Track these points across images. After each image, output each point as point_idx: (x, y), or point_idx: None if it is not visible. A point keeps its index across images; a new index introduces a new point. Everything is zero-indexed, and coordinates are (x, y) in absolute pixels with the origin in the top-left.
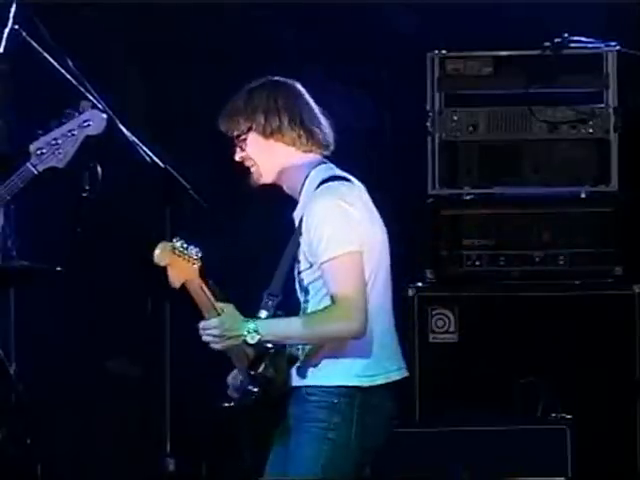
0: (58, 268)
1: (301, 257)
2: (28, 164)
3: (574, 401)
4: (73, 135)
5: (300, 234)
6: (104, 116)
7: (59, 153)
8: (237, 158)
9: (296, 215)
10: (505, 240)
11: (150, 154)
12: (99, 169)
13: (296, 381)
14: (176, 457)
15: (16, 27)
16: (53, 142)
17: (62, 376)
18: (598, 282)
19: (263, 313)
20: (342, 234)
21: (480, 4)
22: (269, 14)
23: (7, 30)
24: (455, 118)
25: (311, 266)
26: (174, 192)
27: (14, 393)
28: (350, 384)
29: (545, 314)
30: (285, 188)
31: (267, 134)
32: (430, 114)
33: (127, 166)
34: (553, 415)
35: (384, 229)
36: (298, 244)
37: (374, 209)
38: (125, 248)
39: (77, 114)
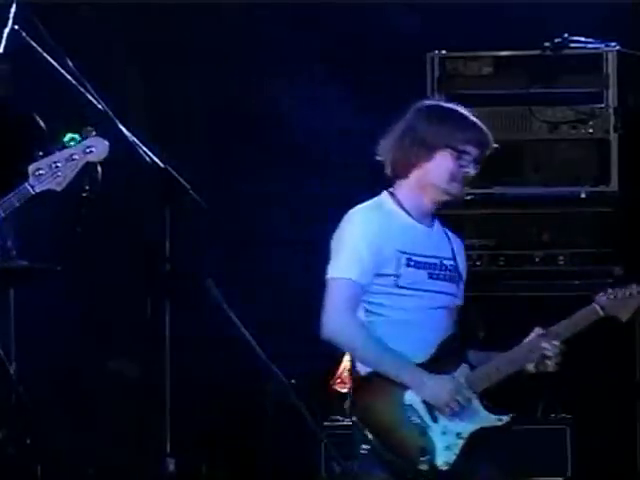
0: (58, 268)
1: None
2: (26, 184)
3: (574, 401)
4: (74, 160)
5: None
6: (107, 143)
7: (58, 176)
8: (473, 173)
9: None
10: (505, 240)
11: (150, 154)
12: (99, 169)
13: None
14: (176, 457)
15: (16, 27)
16: (53, 165)
17: (62, 376)
18: (598, 282)
19: None
20: None
21: (480, 4)
22: (269, 14)
23: (7, 30)
24: None
25: None
26: (174, 192)
27: (14, 393)
28: None
29: (545, 314)
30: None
31: None
32: None
33: (127, 166)
34: (553, 415)
35: None
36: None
37: None
38: (125, 248)
39: (80, 139)
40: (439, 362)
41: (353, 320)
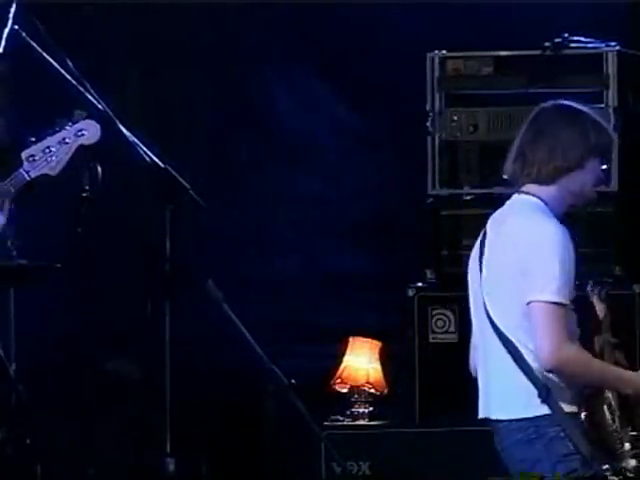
0: (58, 265)
1: None
2: (21, 170)
3: None
4: (67, 143)
5: None
6: (98, 126)
7: (52, 161)
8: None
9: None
10: None
11: (150, 154)
12: (99, 169)
13: None
14: (176, 457)
15: (16, 27)
16: (46, 150)
17: (62, 376)
18: (598, 282)
19: None
20: None
21: (480, 4)
22: (269, 15)
23: (7, 30)
24: (455, 118)
25: None
26: (174, 192)
27: (14, 393)
28: None
29: None
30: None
31: None
32: (430, 114)
33: (127, 166)
34: None
35: None
36: None
37: None
38: (125, 248)
39: (71, 123)
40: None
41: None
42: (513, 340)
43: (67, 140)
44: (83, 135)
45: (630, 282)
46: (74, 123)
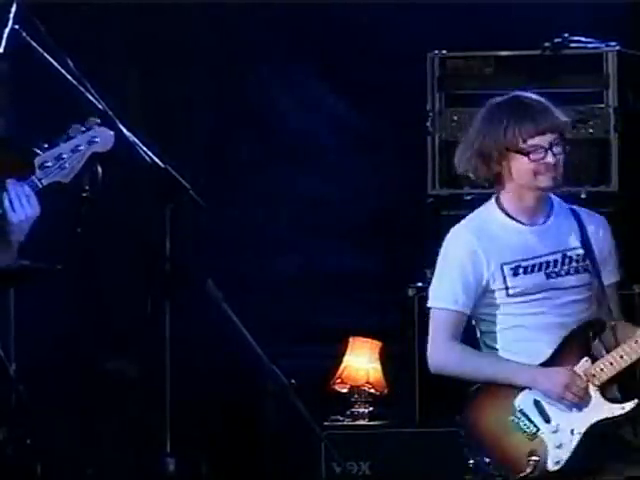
0: (58, 266)
1: None
2: (33, 177)
3: None
4: (79, 151)
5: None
6: (112, 133)
7: (64, 168)
8: (554, 160)
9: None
10: None
11: (150, 154)
12: (99, 169)
13: None
14: (176, 457)
15: (16, 27)
16: (59, 157)
17: (62, 376)
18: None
19: None
20: None
21: (480, 4)
22: (269, 14)
23: (7, 30)
24: (455, 118)
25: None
26: (174, 192)
27: (14, 393)
28: None
29: None
30: (540, 196)
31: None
32: (430, 114)
33: (127, 166)
34: None
35: None
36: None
37: None
38: (125, 248)
39: (84, 130)
40: (560, 359)
41: (457, 346)
42: None
43: (80, 148)
44: (96, 142)
45: (630, 282)
46: (87, 130)
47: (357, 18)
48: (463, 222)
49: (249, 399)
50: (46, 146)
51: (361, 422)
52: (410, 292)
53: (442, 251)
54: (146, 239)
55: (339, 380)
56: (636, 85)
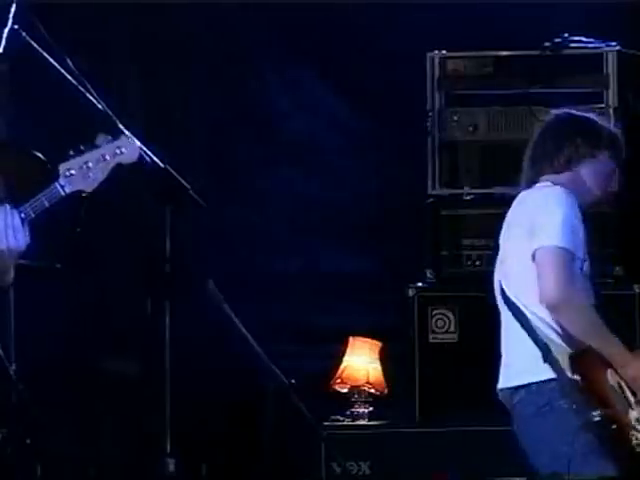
0: (58, 265)
1: None
2: (56, 184)
3: None
4: (105, 160)
5: None
6: (138, 143)
7: (88, 177)
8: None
9: None
10: None
11: (150, 154)
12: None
13: None
14: (176, 457)
15: (16, 27)
16: (84, 165)
17: (62, 376)
18: (598, 282)
19: None
20: None
21: (480, 4)
22: (268, 15)
23: (7, 30)
24: (455, 118)
25: None
26: (174, 192)
27: (14, 393)
28: None
29: None
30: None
31: None
32: (430, 114)
33: (127, 166)
34: None
35: None
36: None
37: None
38: (125, 248)
39: (111, 139)
40: None
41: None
42: (520, 305)
43: (106, 157)
44: (122, 153)
45: (630, 282)
46: (114, 140)
47: (357, 18)
48: (558, 187)
49: (249, 399)
50: (72, 153)
51: (361, 422)
52: (410, 292)
53: (554, 200)
54: (146, 239)
55: (339, 380)
56: (636, 85)
